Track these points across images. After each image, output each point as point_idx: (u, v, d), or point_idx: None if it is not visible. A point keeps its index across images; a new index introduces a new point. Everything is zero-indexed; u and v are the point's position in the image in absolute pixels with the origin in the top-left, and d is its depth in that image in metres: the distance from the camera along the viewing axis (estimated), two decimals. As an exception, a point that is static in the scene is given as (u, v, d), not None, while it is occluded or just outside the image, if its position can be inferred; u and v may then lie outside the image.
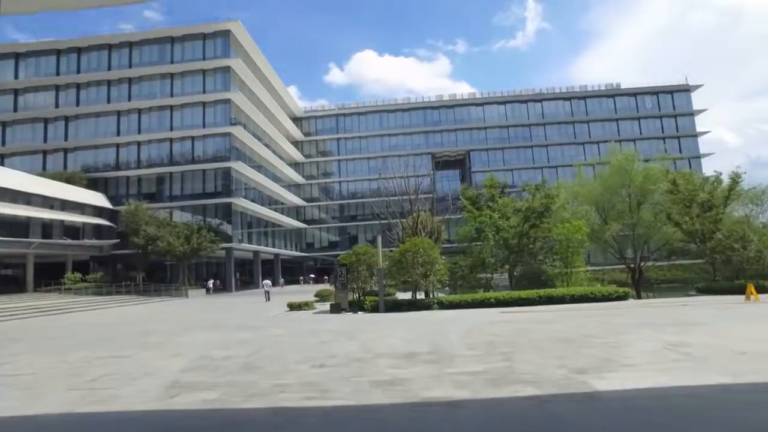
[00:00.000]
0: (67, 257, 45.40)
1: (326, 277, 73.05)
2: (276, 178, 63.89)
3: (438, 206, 34.97)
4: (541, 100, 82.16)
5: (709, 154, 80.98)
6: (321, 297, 27.42)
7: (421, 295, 20.62)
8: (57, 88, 54.60)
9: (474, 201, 29.13)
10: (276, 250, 61.67)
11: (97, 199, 48.28)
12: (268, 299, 33.57)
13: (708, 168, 70.17)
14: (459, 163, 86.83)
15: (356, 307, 19.80)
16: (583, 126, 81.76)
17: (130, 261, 49.11)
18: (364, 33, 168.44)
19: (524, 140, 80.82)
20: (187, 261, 42.93)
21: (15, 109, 54.73)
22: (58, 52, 54.90)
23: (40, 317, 26.92)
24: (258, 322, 17.52)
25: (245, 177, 53.54)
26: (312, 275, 71.69)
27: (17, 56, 55.48)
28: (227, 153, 49.99)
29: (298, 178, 76.68)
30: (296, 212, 75.77)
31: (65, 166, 52.06)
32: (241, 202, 50.30)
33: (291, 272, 72.22)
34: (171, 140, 51.49)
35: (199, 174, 50.77)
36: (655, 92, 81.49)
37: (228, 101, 51.06)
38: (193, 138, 51.08)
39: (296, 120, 78.31)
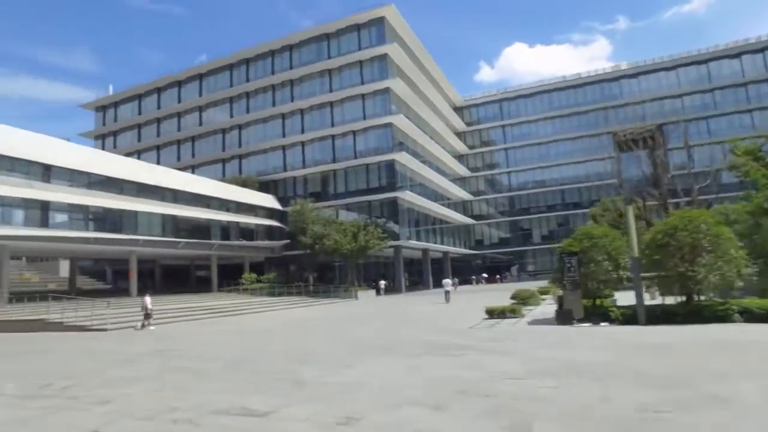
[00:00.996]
0: (245, 259, 46.20)
1: (498, 276, 66.34)
2: (440, 171, 59.14)
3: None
4: (763, 50, 64.31)
5: None
6: (521, 299, 21.18)
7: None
8: (231, 99, 57.32)
9: (757, 156, 19.92)
10: (445, 248, 56.85)
11: (267, 200, 48.68)
12: (448, 300, 29.13)
13: None
14: (646, 142, 72.49)
15: (596, 316, 13.19)
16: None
17: (301, 262, 48.57)
18: (512, 26, 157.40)
19: (737, 104, 64.00)
20: (355, 260, 40.19)
21: (200, 124, 58.90)
22: (231, 67, 57.63)
23: (211, 319, 25.38)
24: (458, 339, 12.06)
25: (409, 170, 49.68)
26: (484, 274, 65.41)
27: (201, 77, 59.76)
28: (389, 145, 46.59)
29: (462, 170, 71.21)
30: (462, 207, 70.25)
31: (240, 172, 54.02)
32: (407, 197, 46.42)
33: (459, 272, 66.82)
34: (333, 137, 49.97)
35: (362, 169, 48.24)
36: None
37: (387, 90, 47.78)
38: (354, 132, 48.84)
39: (456, 110, 72.98)
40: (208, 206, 41.72)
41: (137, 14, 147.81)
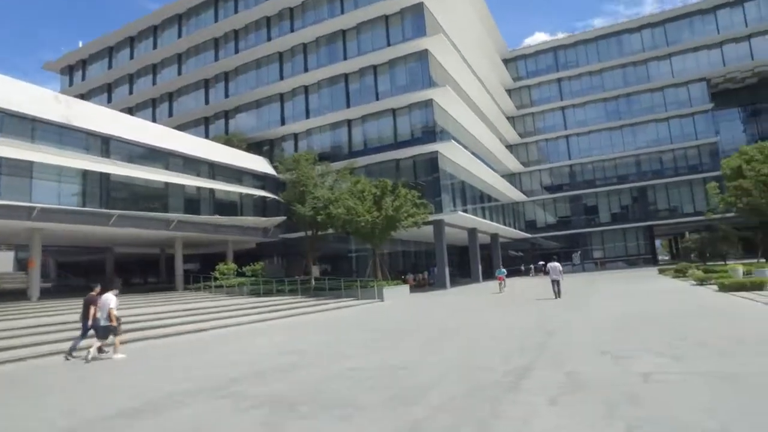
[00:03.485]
0: (228, 245, 33.40)
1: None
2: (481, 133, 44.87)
3: None
4: None
5: None
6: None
7: None
8: (216, 42, 44.34)
9: None
10: (497, 227, 42.87)
11: (257, 163, 35.60)
12: (558, 294, 19.17)
13: None
14: (750, 91, 57.49)
15: None
16: None
17: (304, 248, 35.61)
18: (533, 13, 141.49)
19: None
20: (379, 240, 26.56)
21: (179, 74, 46.10)
22: (216, 1, 44.70)
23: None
24: None
25: (452, 121, 35.95)
26: (541, 263, 51.37)
27: (180, 18, 47.02)
28: (425, 79, 32.96)
29: (511, 135, 57.15)
30: (509, 181, 56.20)
31: (227, 132, 41.12)
32: (450, 152, 32.76)
33: (506, 262, 52.95)
34: (346, 76, 36.51)
35: (387, 116, 34.69)
36: None
37: (420, 6, 34.02)
38: (375, 68, 35.29)
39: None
40: (166, 167, 28.88)
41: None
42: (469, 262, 40.23)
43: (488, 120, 48.23)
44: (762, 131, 55.81)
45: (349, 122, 35.96)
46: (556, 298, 18.94)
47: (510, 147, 58.02)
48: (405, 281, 31.44)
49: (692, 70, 53.80)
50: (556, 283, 19.23)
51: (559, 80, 59.16)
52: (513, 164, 55.44)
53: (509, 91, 59.79)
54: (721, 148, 53.45)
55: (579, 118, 58.05)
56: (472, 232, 38.04)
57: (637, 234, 53.71)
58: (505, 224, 48.28)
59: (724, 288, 16.57)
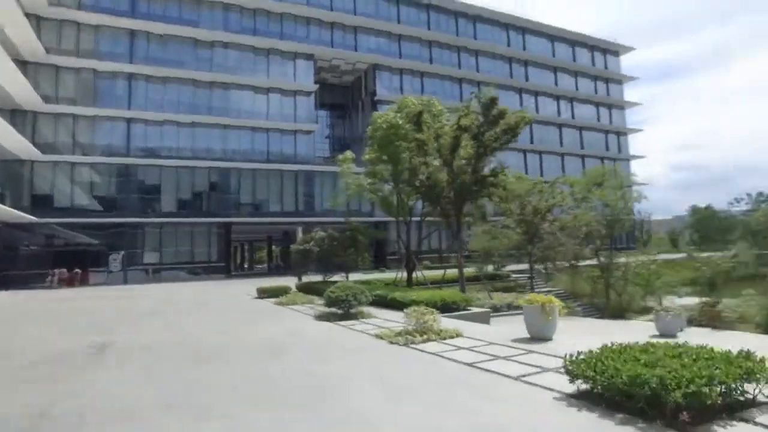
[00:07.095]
0: None
1: (78, 272, 31.67)
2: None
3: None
4: (474, 20, 54.22)
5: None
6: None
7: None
8: None
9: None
10: None
11: None
12: None
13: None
14: (345, 92, 53.81)
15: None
16: (520, 68, 57.45)
17: None
18: None
19: (452, 67, 52.04)
20: None
21: None
22: None
23: None
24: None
25: None
26: (62, 269, 30.03)
27: None
28: None
29: (27, 42, 32.32)
30: (12, 123, 31.52)
31: None
32: None
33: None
34: None
35: None
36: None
37: None
38: None
39: None
40: None
41: None
42: None
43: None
44: (344, 140, 52.36)
45: None
46: None
47: (27, 64, 33.26)
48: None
49: (302, 40, 44.10)
50: None
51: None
52: (23, 92, 31.16)
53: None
54: (315, 143, 46.29)
55: (155, 55, 38.99)
56: None
57: (210, 233, 39.45)
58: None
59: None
